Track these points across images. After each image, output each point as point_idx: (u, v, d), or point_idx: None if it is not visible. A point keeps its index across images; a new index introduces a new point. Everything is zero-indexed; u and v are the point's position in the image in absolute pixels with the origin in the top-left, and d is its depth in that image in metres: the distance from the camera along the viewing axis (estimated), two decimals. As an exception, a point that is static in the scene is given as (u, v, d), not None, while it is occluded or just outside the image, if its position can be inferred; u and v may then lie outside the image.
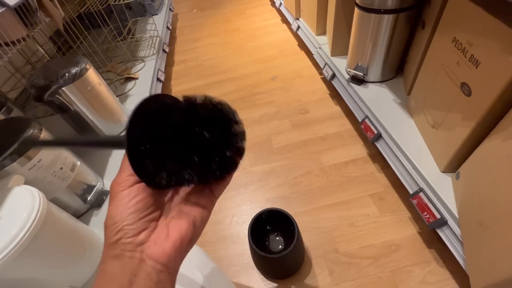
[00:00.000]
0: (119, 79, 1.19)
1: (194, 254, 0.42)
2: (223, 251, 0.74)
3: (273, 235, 0.70)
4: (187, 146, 0.20)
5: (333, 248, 0.69)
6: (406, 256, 0.66)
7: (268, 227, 0.70)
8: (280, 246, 0.69)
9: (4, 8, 0.50)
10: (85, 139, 0.27)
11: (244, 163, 0.95)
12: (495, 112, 0.46)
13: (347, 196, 0.80)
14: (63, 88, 0.72)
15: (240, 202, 0.85)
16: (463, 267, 0.52)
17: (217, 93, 1.29)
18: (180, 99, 0.20)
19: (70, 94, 0.74)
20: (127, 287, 0.18)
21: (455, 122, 0.55)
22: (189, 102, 0.20)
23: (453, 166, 0.59)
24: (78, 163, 0.67)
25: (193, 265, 0.39)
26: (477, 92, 0.49)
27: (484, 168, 0.47)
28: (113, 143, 0.22)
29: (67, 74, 0.72)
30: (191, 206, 0.21)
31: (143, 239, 0.20)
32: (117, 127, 0.93)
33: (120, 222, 0.19)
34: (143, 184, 0.20)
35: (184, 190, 0.23)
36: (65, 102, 0.74)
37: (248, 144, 1.06)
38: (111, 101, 0.89)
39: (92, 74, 0.79)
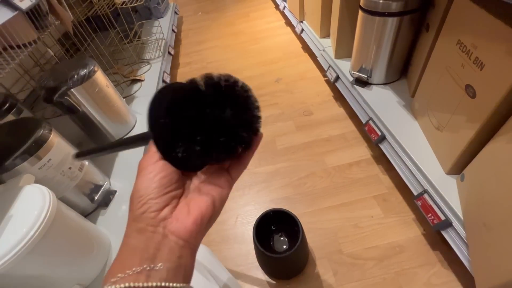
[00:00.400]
0: (126, 81, 1.21)
1: (199, 251, 0.42)
2: (227, 251, 0.75)
3: (278, 235, 0.71)
4: (206, 126, 0.20)
5: (337, 249, 0.70)
6: (411, 258, 0.65)
7: (272, 227, 0.70)
8: (284, 246, 0.69)
9: (16, 12, 0.52)
10: (118, 142, 0.28)
11: (249, 165, 0.96)
12: (500, 114, 0.46)
13: (351, 197, 0.80)
14: (72, 89, 0.73)
15: (244, 203, 0.85)
16: (468, 269, 0.52)
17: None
18: (200, 78, 0.21)
19: (78, 96, 0.75)
20: (150, 261, 0.19)
21: (459, 124, 0.56)
22: (209, 82, 0.21)
23: (458, 167, 0.59)
24: (86, 163, 0.68)
25: (198, 261, 0.39)
26: (481, 94, 0.49)
27: (489, 170, 0.47)
28: (143, 138, 0.24)
29: (76, 76, 0.74)
30: (210, 186, 0.22)
31: (166, 215, 0.20)
32: (124, 127, 0.94)
33: (145, 196, 0.20)
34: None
35: (203, 172, 0.24)
36: (73, 103, 0.75)
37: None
38: (118, 103, 0.91)
39: (100, 76, 0.81)
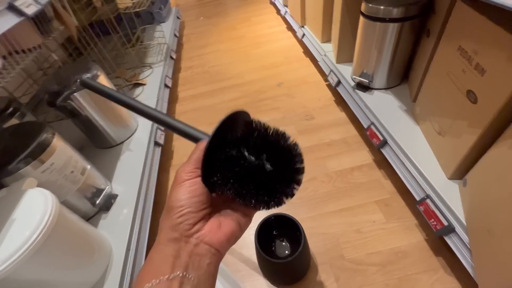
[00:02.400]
0: (128, 85, 1.22)
1: None
2: (229, 256, 0.74)
3: (280, 240, 0.70)
4: (252, 171, 0.22)
5: (339, 255, 0.69)
6: (414, 264, 0.65)
7: (274, 233, 0.70)
8: (286, 252, 0.69)
9: (23, 18, 0.52)
10: (168, 121, 0.27)
11: (250, 169, 0.96)
12: (502, 120, 0.46)
13: (353, 202, 0.80)
14: (75, 94, 0.74)
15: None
16: (472, 275, 0.52)
17: (223, 99, 1.31)
18: (255, 123, 0.24)
19: (81, 100, 0.76)
20: (183, 269, 0.20)
21: (461, 129, 0.56)
22: (273, 132, 0.23)
23: (460, 173, 0.59)
24: (88, 167, 0.69)
25: None
26: (483, 99, 0.49)
27: (492, 175, 0.47)
28: (192, 135, 0.25)
29: (79, 80, 0.75)
30: (235, 211, 0.24)
31: (198, 228, 0.22)
32: (126, 131, 0.94)
33: (186, 207, 0.21)
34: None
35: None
36: (76, 107, 0.76)
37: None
38: (120, 107, 0.91)
39: (103, 80, 0.81)
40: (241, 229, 0.24)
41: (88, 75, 0.77)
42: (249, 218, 0.25)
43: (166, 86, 1.26)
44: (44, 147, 0.57)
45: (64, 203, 0.62)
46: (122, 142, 0.93)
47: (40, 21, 0.69)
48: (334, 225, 0.75)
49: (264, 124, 0.23)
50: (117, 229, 0.68)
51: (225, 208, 0.25)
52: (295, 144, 0.24)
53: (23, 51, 0.65)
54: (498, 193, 0.45)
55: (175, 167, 1.03)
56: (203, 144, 0.23)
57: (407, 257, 0.66)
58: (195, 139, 0.25)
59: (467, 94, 0.53)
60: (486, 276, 0.45)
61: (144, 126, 0.99)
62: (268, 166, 0.22)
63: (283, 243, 0.70)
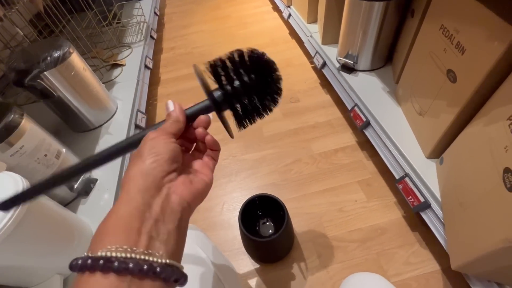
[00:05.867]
0: (105, 66, 1.15)
1: (193, 233, 0.42)
2: (213, 237, 0.75)
3: (263, 220, 0.71)
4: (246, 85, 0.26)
5: (322, 233, 0.71)
6: (391, 239, 0.68)
7: (259, 213, 0.71)
8: (270, 231, 0.70)
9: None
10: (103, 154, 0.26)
11: (235, 151, 0.95)
12: (479, 98, 0.48)
13: (336, 182, 0.81)
14: (45, 72, 0.69)
15: (231, 190, 0.85)
16: (444, 248, 0.55)
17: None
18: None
19: (52, 79, 0.71)
20: (154, 221, 0.19)
21: (440, 108, 0.57)
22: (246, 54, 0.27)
23: (438, 152, 0.61)
24: (64, 150, 0.65)
25: (193, 242, 0.39)
26: (462, 78, 0.50)
27: (467, 153, 0.49)
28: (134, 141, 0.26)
29: (49, 58, 0.69)
30: (206, 168, 0.26)
31: (172, 178, 0.21)
32: (104, 114, 0.90)
33: (162, 154, 0.21)
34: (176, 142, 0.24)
35: (196, 158, 0.27)
36: (47, 87, 0.71)
37: (239, 133, 1.05)
38: (97, 88, 0.87)
39: (75, 59, 0.76)
40: (210, 186, 0.25)
41: (59, 52, 0.72)
42: (211, 173, 0.26)
43: (146, 67, 1.21)
44: (11, 128, 0.53)
45: (39, 188, 0.60)
46: (101, 126, 0.89)
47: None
48: (317, 205, 0.77)
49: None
50: (98, 214, 0.66)
51: (197, 167, 0.26)
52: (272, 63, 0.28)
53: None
54: (471, 169, 0.46)
55: (158, 151, 1.00)
56: (176, 111, 0.26)
57: (385, 233, 0.69)
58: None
59: (447, 73, 0.53)
60: (456, 247, 0.48)
61: (124, 108, 0.95)
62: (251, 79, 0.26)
63: (267, 223, 0.71)
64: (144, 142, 0.22)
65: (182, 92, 1.24)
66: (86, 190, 0.69)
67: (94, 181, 0.71)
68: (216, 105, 0.27)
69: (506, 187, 0.37)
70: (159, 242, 0.18)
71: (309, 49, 1.15)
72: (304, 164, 0.88)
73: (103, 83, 1.04)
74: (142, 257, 0.17)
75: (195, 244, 0.38)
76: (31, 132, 0.57)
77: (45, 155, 0.59)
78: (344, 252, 0.67)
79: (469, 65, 0.48)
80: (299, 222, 0.74)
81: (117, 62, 1.16)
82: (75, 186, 0.67)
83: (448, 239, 0.51)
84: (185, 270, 0.19)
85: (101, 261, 0.16)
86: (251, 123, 0.29)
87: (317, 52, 1.07)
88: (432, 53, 0.59)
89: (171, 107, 0.26)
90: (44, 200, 0.51)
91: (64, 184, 0.26)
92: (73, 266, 0.17)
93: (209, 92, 0.27)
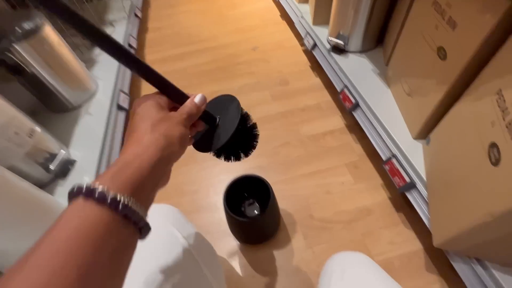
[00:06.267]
0: (86, 44, 1.09)
1: (168, 212, 0.40)
2: (199, 220, 0.73)
3: (249, 202, 0.70)
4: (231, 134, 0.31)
5: (308, 214, 0.71)
6: (377, 220, 0.68)
7: (245, 195, 0.70)
8: (255, 212, 0.69)
9: None
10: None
11: (222, 134, 0.93)
12: (468, 75, 0.47)
13: (324, 165, 0.81)
14: (14, 45, 0.64)
15: (217, 173, 0.83)
16: (428, 226, 0.55)
17: (195, 63, 1.23)
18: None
19: (24, 53, 0.66)
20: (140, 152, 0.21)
21: (429, 88, 0.56)
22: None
23: (425, 132, 0.61)
24: (38, 129, 0.62)
25: (167, 221, 0.37)
26: (452, 55, 0.49)
27: (453, 132, 0.48)
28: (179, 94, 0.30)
29: (19, 30, 0.64)
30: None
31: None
32: (84, 94, 0.86)
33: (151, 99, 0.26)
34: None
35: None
36: (18, 62, 0.66)
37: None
38: (75, 66, 0.82)
39: (49, 32, 0.71)
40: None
41: (31, 24, 0.66)
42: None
43: (130, 46, 1.15)
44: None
45: (11, 168, 0.56)
46: (81, 106, 0.85)
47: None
48: (304, 187, 0.77)
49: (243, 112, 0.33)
50: (77, 196, 0.63)
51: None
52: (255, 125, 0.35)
53: None
54: (457, 147, 0.46)
55: (143, 134, 0.97)
56: (198, 103, 0.29)
57: (371, 214, 0.69)
58: (180, 98, 0.29)
59: (438, 51, 0.52)
60: (438, 224, 0.48)
61: (105, 88, 0.91)
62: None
63: (253, 205, 0.70)
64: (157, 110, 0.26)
65: (168, 74, 1.18)
66: (63, 171, 0.66)
67: (72, 162, 0.68)
68: (212, 127, 0.33)
69: (491, 162, 0.36)
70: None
71: (300, 30, 1.12)
72: (292, 147, 0.86)
73: (83, 61, 0.99)
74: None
75: (168, 223, 0.37)
76: (-1, 108, 0.53)
77: (16, 133, 0.56)
78: (330, 233, 0.67)
79: (460, 40, 0.46)
80: (286, 204, 0.73)
81: (98, 40, 1.10)
82: (52, 168, 0.63)
83: (432, 217, 0.51)
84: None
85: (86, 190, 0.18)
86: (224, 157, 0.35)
87: (307, 33, 1.04)
88: (424, 32, 0.57)
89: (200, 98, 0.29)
90: (16, 181, 0.48)
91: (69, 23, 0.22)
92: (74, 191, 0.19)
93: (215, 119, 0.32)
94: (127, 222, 0.18)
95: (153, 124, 0.23)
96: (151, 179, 0.21)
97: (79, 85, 0.84)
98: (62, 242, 0.16)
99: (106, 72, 0.97)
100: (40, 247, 0.16)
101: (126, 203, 0.18)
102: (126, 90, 0.98)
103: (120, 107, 0.89)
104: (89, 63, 1.01)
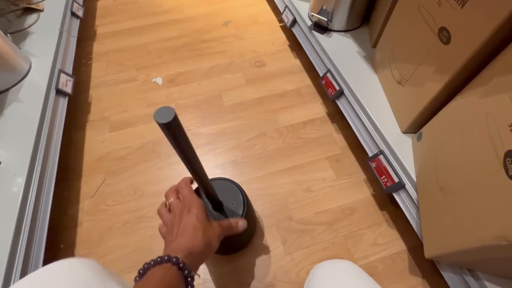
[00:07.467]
0: (14, 10, 0.88)
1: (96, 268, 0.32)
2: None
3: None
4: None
5: (287, 216, 0.64)
6: (359, 220, 0.63)
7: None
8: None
9: None
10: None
11: (189, 124, 0.81)
12: (475, 64, 0.39)
13: (304, 159, 0.73)
14: None
15: (183, 170, 0.72)
16: (415, 229, 0.51)
17: (156, 38, 1.05)
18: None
19: None
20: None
21: (425, 76, 0.49)
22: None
23: (416, 126, 0.54)
24: None
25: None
26: (457, 38, 0.41)
27: (454, 128, 0.42)
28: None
29: None
30: None
31: None
32: (11, 75, 0.68)
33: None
34: None
35: None
36: None
37: (195, 101, 0.91)
38: (-8, 38, 0.64)
39: None
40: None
41: None
42: None
43: (74, 15, 0.95)
44: None
45: None
46: (7, 90, 0.68)
47: None
48: (282, 184, 0.69)
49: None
50: (2, 209, 0.50)
51: None
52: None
53: None
54: (459, 148, 0.40)
55: (94, 124, 0.82)
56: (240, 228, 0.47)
57: (353, 214, 0.64)
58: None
59: (439, 32, 0.44)
60: (433, 235, 0.43)
61: (40, 68, 0.73)
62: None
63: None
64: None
65: (124, 50, 1.02)
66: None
67: (-9, 165, 0.54)
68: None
69: (507, 175, 0.30)
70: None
71: (278, 3, 0.99)
72: (269, 139, 0.78)
73: (10, 33, 0.80)
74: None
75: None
76: None
77: None
78: (310, 236, 0.61)
79: (470, 21, 0.38)
80: (262, 205, 0.66)
81: (31, 6, 0.89)
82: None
83: (423, 225, 0.46)
84: None
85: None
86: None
87: (286, 6, 0.92)
88: (422, 8, 0.48)
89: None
90: None
91: None
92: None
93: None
94: (185, 279, 0.32)
95: (204, 231, 0.37)
96: (201, 262, 0.37)
97: (5, 64, 0.66)
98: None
99: (42, 47, 0.78)
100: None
101: (189, 272, 0.32)
102: (69, 70, 0.81)
103: (60, 92, 0.73)
104: (19, 35, 0.81)
